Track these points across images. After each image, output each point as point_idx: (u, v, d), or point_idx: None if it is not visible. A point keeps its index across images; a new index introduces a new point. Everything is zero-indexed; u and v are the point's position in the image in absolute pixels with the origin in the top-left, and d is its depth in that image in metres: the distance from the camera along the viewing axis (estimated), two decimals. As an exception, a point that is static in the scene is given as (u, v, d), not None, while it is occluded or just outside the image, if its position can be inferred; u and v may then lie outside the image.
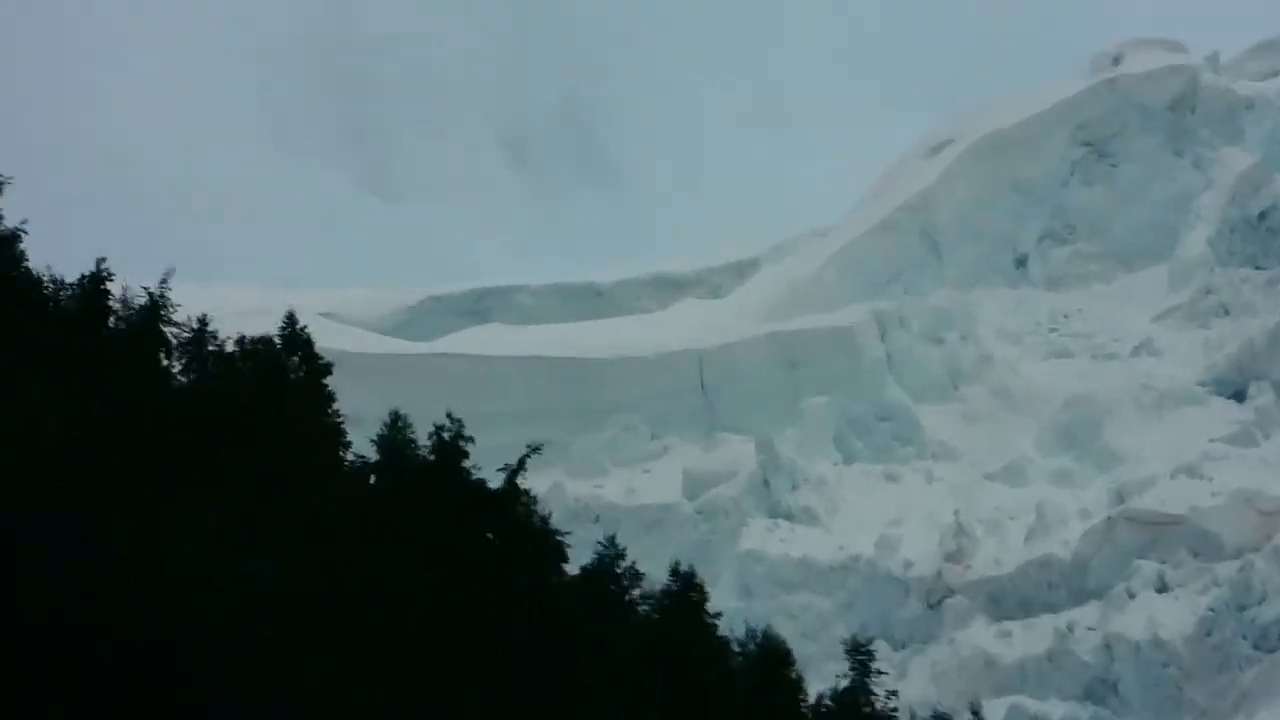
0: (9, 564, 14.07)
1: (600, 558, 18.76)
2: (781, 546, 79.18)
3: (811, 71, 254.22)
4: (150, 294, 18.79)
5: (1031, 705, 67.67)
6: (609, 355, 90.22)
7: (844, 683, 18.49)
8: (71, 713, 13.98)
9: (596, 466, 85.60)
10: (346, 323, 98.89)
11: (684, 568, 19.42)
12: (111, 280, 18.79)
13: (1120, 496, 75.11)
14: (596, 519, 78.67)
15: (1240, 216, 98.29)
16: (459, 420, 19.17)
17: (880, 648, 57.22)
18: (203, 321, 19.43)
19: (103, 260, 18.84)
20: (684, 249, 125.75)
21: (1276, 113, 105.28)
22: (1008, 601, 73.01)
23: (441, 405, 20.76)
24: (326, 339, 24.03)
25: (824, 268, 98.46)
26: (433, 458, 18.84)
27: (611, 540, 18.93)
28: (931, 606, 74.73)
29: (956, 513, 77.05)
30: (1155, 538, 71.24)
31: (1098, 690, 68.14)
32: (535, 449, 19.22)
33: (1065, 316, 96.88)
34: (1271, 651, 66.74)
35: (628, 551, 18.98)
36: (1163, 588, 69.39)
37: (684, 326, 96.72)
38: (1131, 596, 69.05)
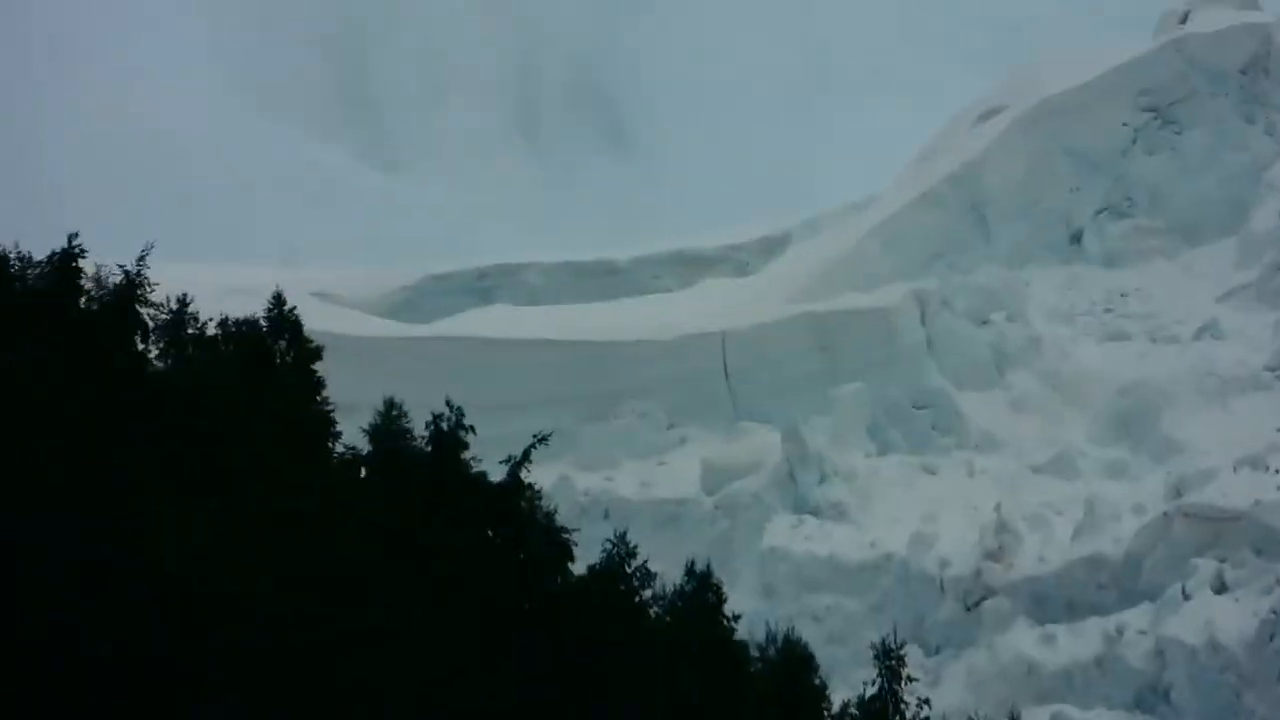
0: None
1: (610, 556, 18.80)
2: (807, 544, 79.17)
3: (855, 32, 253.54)
4: (126, 272, 18.86)
5: (1076, 715, 67.58)
6: (623, 338, 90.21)
7: (872, 690, 18.50)
8: (71, 713, 14.35)
9: (607, 458, 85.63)
10: (339, 303, 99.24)
11: (701, 567, 19.49)
12: (84, 258, 18.84)
13: (1178, 490, 74.90)
14: (606, 515, 78.91)
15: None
16: (459, 408, 19.27)
17: (912, 652, 57.24)
18: (182, 302, 19.52)
19: (74, 235, 18.86)
20: (707, 223, 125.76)
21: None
22: (1052, 603, 72.92)
23: (440, 392, 20.87)
24: (317, 320, 24.17)
25: (860, 244, 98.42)
26: (430, 449, 18.92)
27: (622, 537, 18.97)
28: (969, 608, 74.68)
29: (998, 507, 76.91)
30: (1215, 535, 71.06)
31: (1149, 699, 68.05)
32: (541, 439, 19.32)
33: (1123, 296, 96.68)
34: (1340, 658, 66.64)
35: (640, 550, 19.04)
36: (1221, 588, 69.21)
37: (706, 307, 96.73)
38: (1187, 598, 68.91)
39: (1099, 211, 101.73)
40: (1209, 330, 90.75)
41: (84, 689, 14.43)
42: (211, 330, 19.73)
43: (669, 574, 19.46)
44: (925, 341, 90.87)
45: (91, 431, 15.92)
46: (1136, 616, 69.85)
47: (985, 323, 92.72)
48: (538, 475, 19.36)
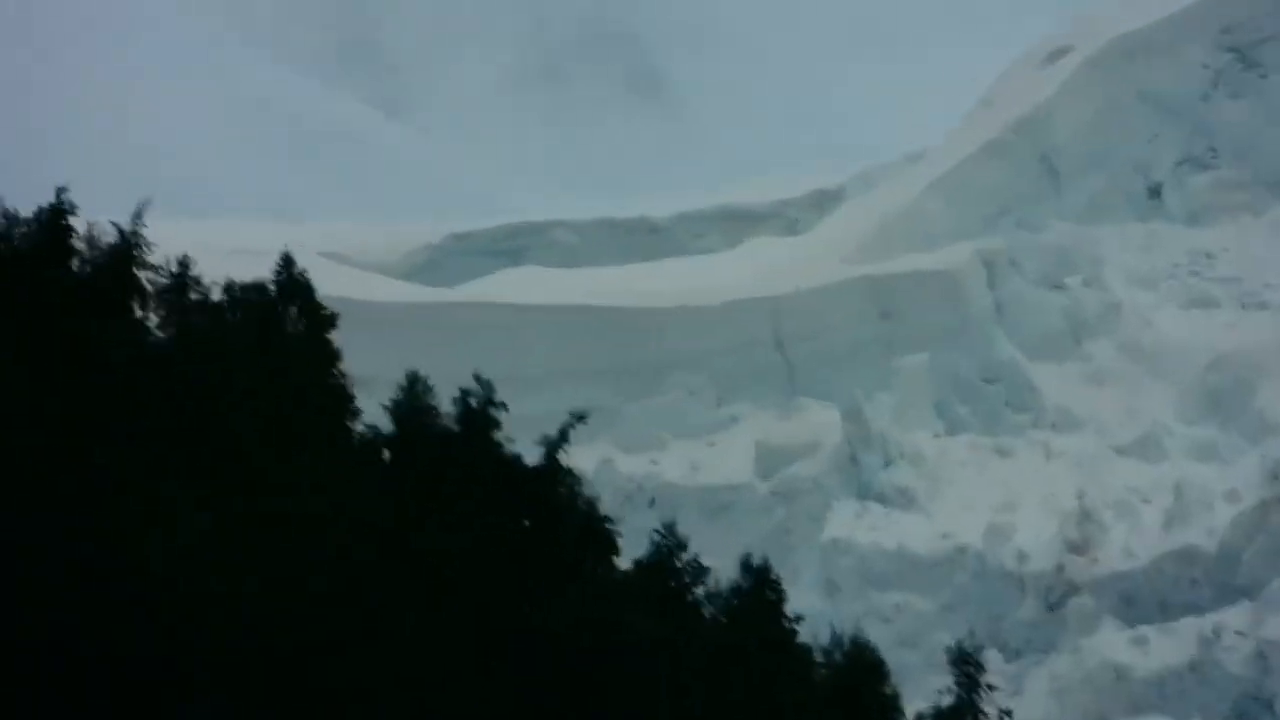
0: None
1: (657, 548, 18.74)
2: (873, 535, 79.10)
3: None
4: (121, 230, 18.65)
5: (1170, 726, 67.58)
6: (666, 304, 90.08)
7: (948, 699, 18.40)
8: (56, 712, 14.43)
9: (652, 438, 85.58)
10: (354, 265, 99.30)
11: (757, 561, 19.39)
12: (74, 215, 18.64)
13: (1275, 474, 74.56)
14: (652, 502, 78.83)
15: None
16: (489, 382, 19.15)
17: (991, 657, 57.11)
18: (184, 264, 19.38)
19: (63, 190, 18.66)
20: (753, 177, 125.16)
21: None
22: (1142, 601, 72.76)
23: (468, 365, 20.74)
24: (330, 284, 24.00)
25: (919, 199, 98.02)
26: (458, 428, 18.80)
27: (670, 527, 18.92)
28: (1051, 608, 74.57)
29: (1080, 494, 76.66)
30: (1320, 525, 70.94)
31: (1249, 708, 67.88)
32: (579, 417, 19.24)
33: (1208, 257, 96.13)
34: None
35: (690, 541, 18.94)
36: (1329, 585, 69.08)
37: (755, 269, 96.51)
38: (1290, 595, 68.81)
39: (1179, 163, 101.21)
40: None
41: (69, 689, 14.52)
42: (216, 296, 19.57)
43: (721, 569, 19.33)
44: (993, 307, 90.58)
45: (72, 428, 15.85)
46: (1235, 616, 69.62)
47: (1058, 287, 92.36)
48: (576, 457, 19.26)
